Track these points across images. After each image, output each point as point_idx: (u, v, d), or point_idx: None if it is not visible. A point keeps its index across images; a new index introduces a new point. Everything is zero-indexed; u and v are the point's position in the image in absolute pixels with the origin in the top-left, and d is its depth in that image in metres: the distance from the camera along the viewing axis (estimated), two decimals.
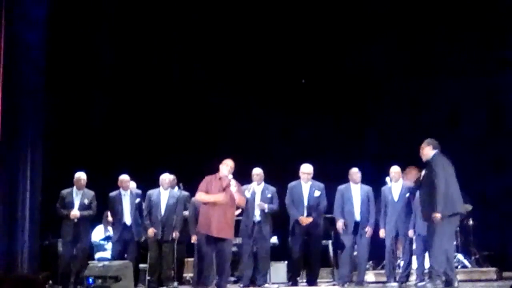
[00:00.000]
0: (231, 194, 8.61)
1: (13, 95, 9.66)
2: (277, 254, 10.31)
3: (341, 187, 9.87)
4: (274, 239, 10.34)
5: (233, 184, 8.62)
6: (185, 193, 10.12)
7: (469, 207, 10.41)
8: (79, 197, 10.01)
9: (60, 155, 10.60)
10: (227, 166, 8.69)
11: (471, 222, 10.59)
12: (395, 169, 9.66)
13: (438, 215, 8.24)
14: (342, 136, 11.99)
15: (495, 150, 10.89)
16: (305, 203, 9.72)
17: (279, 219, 10.02)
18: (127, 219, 10.11)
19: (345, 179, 9.89)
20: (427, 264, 9.17)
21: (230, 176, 8.67)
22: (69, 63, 11.25)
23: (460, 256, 10.33)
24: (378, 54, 11.64)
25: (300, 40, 11.81)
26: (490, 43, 11.10)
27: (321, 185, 9.83)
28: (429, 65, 11.61)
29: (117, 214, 10.10)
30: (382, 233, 9.62)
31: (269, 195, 9.83)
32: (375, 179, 9.92)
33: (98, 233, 10.98)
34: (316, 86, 12.24)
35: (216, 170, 8.80)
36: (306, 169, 9.75)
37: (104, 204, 10.31)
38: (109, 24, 11.59)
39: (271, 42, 11.86)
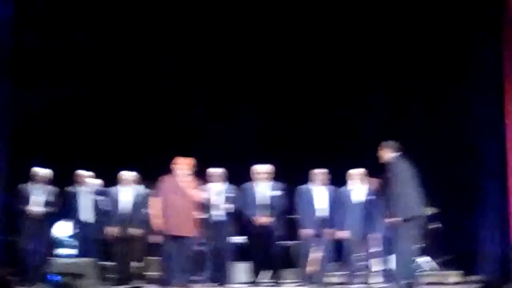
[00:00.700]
0: (187, 192, 8.66)
1: None
2: (243, 254, 10.27)
3: (302, 187, 9.87)
4: (240, 239, 10.35)
5: (188, 181, 8.65)
6: (148, 190, 10.06)
7: (434, 210, 10.50)
8: (39, 192, 9.94)
9: (20, 150, 10.48)
10: (179, 166, 8.73)
11: (437, 225, 10.61)
12: (355, 171, 9.69)
13: (392, 220, 8.26)
14: (306, 137, 11.98)
15: (461, 151, 10.93)
16: (262, 203, 9.71)
17: (245, 219, 10.00)
18: (85, 215, 10.05)
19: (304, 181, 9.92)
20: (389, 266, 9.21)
21: (184, 174, 8.70)
22: (36, 57, 11.15)
23: (425, 259, 10.36)
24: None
25: (277, 40, 11.79)
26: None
27: (279, 185, 9.83)
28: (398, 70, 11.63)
29: (74, 210, 10.03)
30: (342, 234, 9.62)
31: (231, 195, 9.83)
32: (336, 180, 9.92)
33: (60, 229, 10.81)
34: (281, 88, 12.24)
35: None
36: (261, 169, 9.76)
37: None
38: (77, 18, 11.48)
39: (245, 42, 11.83)
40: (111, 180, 10.34)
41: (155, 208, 8.85)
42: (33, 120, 11.30)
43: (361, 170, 9.67)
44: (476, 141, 10.51)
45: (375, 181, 9.05)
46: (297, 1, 11.51)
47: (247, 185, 9.84)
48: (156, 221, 8.82)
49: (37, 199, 9.89)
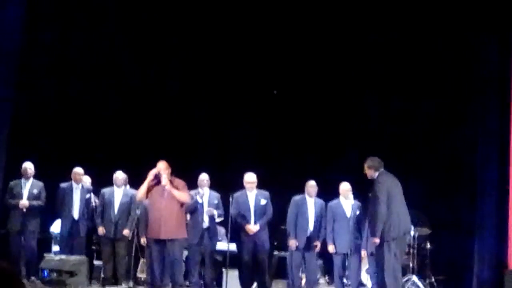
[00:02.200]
0: (171, 193, 8.71)
1: None
2: (234, 261, 10.32)
3: (296, 198, 9.85)
4: (232, 247, 10.39)
5: (165, 181, 8.70)
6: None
7: (427, 231, 10.47)
8: (27, 187, 9.99)
9: (14, 146, 10.61)
10: (163, 168, 8.80)
11: (428, 245, 10.57)
12: (345, 186, 9.70)
13: (376, 240, 8.23)
14: (298, 147, 11.99)
15: (456, 172, 10.89)
16: (252, 212, 9.68)
17: (235, 227, 10.04)
18: (76, 213, 10.08)
19: (299, 191, 9.92)
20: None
21: (164, 176, 8.75)
22: (39, 54, 11.30)
23: (415, 278, 10.27)
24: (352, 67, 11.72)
25: (273, 50, 11.84)
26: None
27: (266, 193, 9.79)
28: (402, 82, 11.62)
29: (66, 207, 10.05)
30: (331, 248, 9.62)
31: (215, 201, 9.85)
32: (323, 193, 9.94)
33: (58, 226, 10.88)
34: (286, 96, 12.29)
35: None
36: (250, 178, 9.74)
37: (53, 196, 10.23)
38: (84, 20, 11.63)
39: (243, 52, 11.89)
40: (100, 179, 10.45)
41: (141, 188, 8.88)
42: (33, 117, 11.43)
43: (348, 185, 9.68)
44: (473, 159, 10.43)
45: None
46: (295, 12, 11.55)
47: (239, 193, 9.80)
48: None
49: (28, 194, 9.93)
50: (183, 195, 8.91)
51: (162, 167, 8.83)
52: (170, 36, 11.90)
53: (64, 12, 11.41)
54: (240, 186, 9.84)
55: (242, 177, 9.84)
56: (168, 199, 8.81)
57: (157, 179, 8.83)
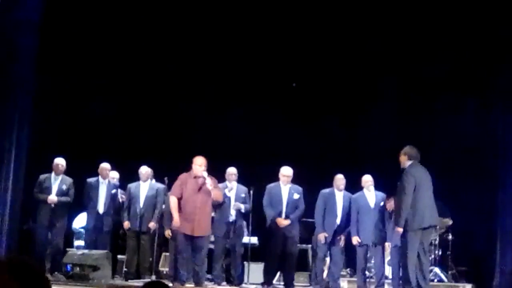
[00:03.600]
0: (208, 191, 8.70)
1: (2, 78, 9.64)
2: (256, 255, 10.33)
3: (324, 192, 9.87)
4: (254, 240, 10.40)
5: (209, 183, 8.72)
6: (163, 186, 10.13)
7: (448, 221, 10.46)
8: (57, 182, 10.04)
9: (41, 140, 10.63)
10: (200, 166, 8.79)
11: (450, 236, 10.57)
12: (367, 178, 9.71)
13: (399, 230, 8.26)
14: (324, 140, 11.98)
15: (477, 164, 10.87)
16: (284, 205, 9.68)
17: (259, 220, 10.06)
18: (101, 207, 10.15)
19: (324, 185, 9.94)
20: None
21: (205, 174, 8.76)
22: (61, 48, 11.30)
23: (437, 270, 10.32)
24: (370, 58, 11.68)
25: (290, 42, 11.81)
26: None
27: (300, 188, 9.79)
28: (421, 76, 11.59)
29: (92, 202, 10.13)
30: (355, 240, 9.64)
31: (242, 195, 9.86)
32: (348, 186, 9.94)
33: (80, 221, 10.99)
34: (304, 89, 12.26)
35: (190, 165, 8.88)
36: (287, 171, 9.73)
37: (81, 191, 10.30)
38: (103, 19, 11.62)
39: (260, 43, 11.87)
40: (126, 173, 10.50)
41: (174, 205, 8.87)
42: (54, 111, 11.47)
43: (370, 177, 9.69)
44: (496, 159, 10.38)
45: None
46: (312, 3, 11.55)
47: (272, 185, 9.80)
48: (175, 218, 8.80)
49: (57, 189, 10.00)
50: (219, 195, 8.95)
51: (203, 163, 8.79)
52: (192, 27, 11.85)
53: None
54: (264, 179, 9.87)
55: (266, 171, 9.85)
56: (203, 196, 8.83)
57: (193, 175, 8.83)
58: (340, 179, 9.85)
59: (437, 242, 10.35)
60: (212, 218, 9.50)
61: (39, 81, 10.10)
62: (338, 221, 9.76)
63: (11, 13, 9.60)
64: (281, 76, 12.12)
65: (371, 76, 11.80)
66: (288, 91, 12.27)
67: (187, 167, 9.05)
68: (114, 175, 10.45)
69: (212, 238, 9.71)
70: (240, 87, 12.10)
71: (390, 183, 9.17)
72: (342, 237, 9.71)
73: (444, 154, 10.91)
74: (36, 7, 9.97)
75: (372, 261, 9.92)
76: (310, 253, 10.67)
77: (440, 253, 10.50)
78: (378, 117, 11.64)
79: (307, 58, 11.88)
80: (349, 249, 9.96)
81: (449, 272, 10.49)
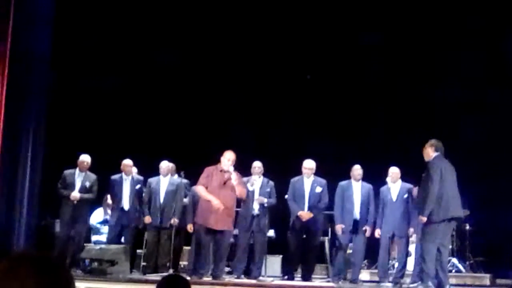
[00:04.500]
0: (232, 186, 8.67)
1: (19, 71, 9.50)
2: (273, 247, 10.31)
3: (342, 183, 9.86)
4: (271, 233, 10.37)
5: (234, 178, 8.69)
6: (185, 180, 10.12)
7: (466, 212, 10.46)
8: (80, 179, 10.02)
9: (64, 135, 10.60)
10: (228, 160, 8.77)
11: (467, 227, 10.59)
12: (393, 170, 9.68)
13: (423, 219, 8.28)
14: (344, 133, 11.96)
15: (494, 154, 10.86)
16: (306, 198, 9.69)
17: (277, 213, 10.05)
18: (126, 203, 10.14)
19: (345, 177, 9.91)
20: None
21: (231, 169, 8.73)
22: (78, 43, 11.26)
23: (454, 260, 10.34)
24: (381, 52, 11.64)
25: (306, 35, 11.78)
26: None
27: (323, 181, 9.79)
28: (432, 66, 11.55)
29: (116, 198, 10.14)
30: (378, 232, 9.62)
31: (267, 189, 9.82)
32: (376, 178, 9.90)
33: (97, 216, 10.99)
34: (321, 82, 12.23)
35: (216, 159, 8.83)
36: (309, 164, 9.72)
37: (104, 188, 10.33)
38: (115, 11, 11.56)
39: (276, 36, 11.84)
40: (148, 170, 10.46)
41: (204, 192, 8.81)
42: (71, 106, 11.43)
43: (397, 169, 9.66)
44: None
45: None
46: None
47: (296, 178, 9.80)
48: (213, 200, 8.69)
49: (80, 186, 9.99)
50: (243, 192, 8.94)
51: (231, 157, 8.75)
52: (210, 20, 11.82)
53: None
54: (281, 173, 9.86)
55: (282, 164, 9.80)
56: (227, 190, 8.82)
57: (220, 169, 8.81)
58: (356, 169, 9.84)
59: (454, 232, 10.34)
60: (237, 212, 9.48)
61: (56, 77, 10.04)
62: (357, 211, 9.75)
63: (25, 11, 9.53)
64: (295, 68, 12.08)
65: (391, 67, 11.78)
66: (303, 83, 12.23)
67: (211, 162, 9.02)
68: (135, 170, 10.40)
69: (236, 232, 9.68)
70: (262, 82, 12.12)
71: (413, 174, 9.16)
72: (368, 228, 9.67)
73: (464, 145, 10.89)
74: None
75: (392, 253, 9.90)
76: (327, 245, 10.65)
77: (458, 243, 10.51)
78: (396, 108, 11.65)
79: (321, 49, 11.87)
80: (369, 240, 9.94)
81: (467, 263, 10.52)
